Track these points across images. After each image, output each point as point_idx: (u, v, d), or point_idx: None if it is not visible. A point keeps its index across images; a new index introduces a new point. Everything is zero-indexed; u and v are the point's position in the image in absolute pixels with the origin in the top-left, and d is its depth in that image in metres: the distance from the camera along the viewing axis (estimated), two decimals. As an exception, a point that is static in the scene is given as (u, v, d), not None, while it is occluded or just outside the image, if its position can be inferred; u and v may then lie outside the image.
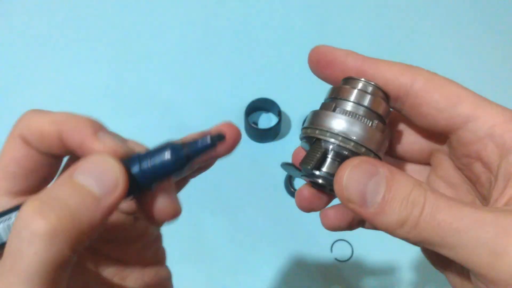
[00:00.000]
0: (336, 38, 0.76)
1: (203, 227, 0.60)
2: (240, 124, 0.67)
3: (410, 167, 0.29)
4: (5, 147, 0.23)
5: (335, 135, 0.24)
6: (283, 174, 0.62)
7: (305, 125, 0.26)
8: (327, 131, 0.24)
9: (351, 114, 0.24)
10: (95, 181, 0.19)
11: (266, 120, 0.68)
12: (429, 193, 0.21)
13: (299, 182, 0.62)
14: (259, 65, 0.72)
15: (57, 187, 0.19)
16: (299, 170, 0.25)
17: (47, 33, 0.73)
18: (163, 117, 0.67)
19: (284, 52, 0.74)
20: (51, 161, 0.23)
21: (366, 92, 0.25)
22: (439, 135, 0.26)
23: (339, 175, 0.22)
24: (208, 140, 0.22)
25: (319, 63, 0.27)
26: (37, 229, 0.17)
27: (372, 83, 0.25)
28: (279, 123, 0.64)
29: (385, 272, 0.57)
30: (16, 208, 0.21)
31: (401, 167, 0.29)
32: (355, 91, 0.25)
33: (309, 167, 0.24)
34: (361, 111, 0.24)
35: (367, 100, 0.24)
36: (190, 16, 0.76)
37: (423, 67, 0.26)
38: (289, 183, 0.62)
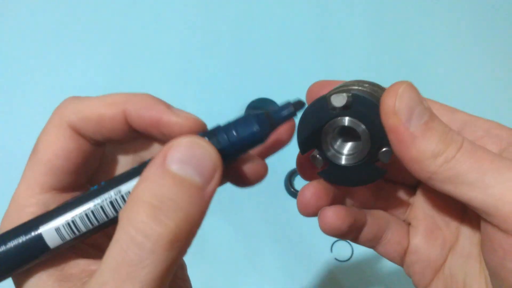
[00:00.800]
0: (336, 39, 0.76)
1: (202, 227, 0.60)
2: (240, 124, 0.67)
3: (394, 188, 0.29)
4: (49, 138, 0.21)
5: (361, 83, 0.24)
6: (283, 174, 0.62)
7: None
8: (351, 83, 0.24)
9: (373, 84, 0.24)
10: (195, 169, 0.18)
11: (266, 120, 0.68)
12: (466, 137, 0.21)
13: (299, 182, 0.62)
14: (259, 65, 0.72)
15: (156, 183, 0.17)
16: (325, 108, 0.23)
17: (46, 32, 0.73)
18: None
19: (284, 52, 0.74)
20: (99, 150, 0.22)
21: (377, 84, 0.25)
22: None
23: (395, 86, 0.21)
24: (291, 108, 0.21)
25: (321, 93, 0.27)
26: (158, 238, 0.16)
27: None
28: (279, 123, 0.64)
29: (385, 272, 0.57)
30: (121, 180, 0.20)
31: (388, 189, 0.29)
32: (369, 82, 0.25)
33: (345, 94, 0.22)
34: (380, 86, 0.25)
35: (379, 86, 0.25)
36: (190, 15, 0.76)
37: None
38: (289, 183, 0.62)
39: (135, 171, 0.20)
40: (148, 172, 0.18)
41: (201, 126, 0.21)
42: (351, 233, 0.27)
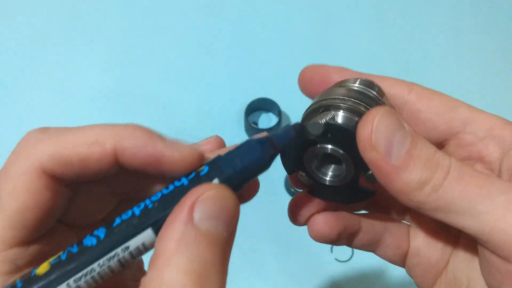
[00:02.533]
0: (337, 38, 0.75)
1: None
2: (240, 124, 0.66)
3: None
4: (16, 187, 0.17)
5: (344, 100, 0.22)
6: (283, 174, 0.62)
7: (309, 106, 0.24)
8: (335, 98, 0.22)
9: (359, 92, 0.23)
10: (224, 223, 0.17)
11: (266, 120, 0.68)
12: (453, 158, 0.19)
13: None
14: (259, 65, 0.72)
15: (192, 246, 0.16)
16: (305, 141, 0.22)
17: (45, 33, 0.73)
18: (163, 117, 0.67)
19: (284, 52, 0.74)
20: (71, 191, 0.19)
21: (371, 82, 0.24)
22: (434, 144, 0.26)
23: (369, 117, 0.19)
24: (292, 131, 0.21)
25: (312, 81, 0.26)
26: None
27: (374, 82, 0.24)
28: (279, 123, 0.64)
29: (385, 272, 0.57)
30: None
31: (383, 191, 0.28)
32: (360, 80, 0.24)
33: (322, 121, 0.21)
34: (369, 94, 0.23)
35: (373, 88, 0.24)
36: (190, 15, 0.76)
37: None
38: (289, 183, 0.62)
39: (141, 222, 0.18)
40: (176, 232, 0.16)
41: (201, 158, 0.19)
42: (341, 239, 0.26)
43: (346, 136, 0.21)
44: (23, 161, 0.18)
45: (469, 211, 0.18)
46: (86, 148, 0.18)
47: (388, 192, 0.20)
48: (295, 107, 0.67)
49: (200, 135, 0.66)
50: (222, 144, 0.24)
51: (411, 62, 0.74)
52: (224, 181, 0.19)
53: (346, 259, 0.58)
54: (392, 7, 0.79)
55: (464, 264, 0.24)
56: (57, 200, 0.18)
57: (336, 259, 0.58)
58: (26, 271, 0.18)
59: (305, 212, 0.26)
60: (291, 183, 0.28)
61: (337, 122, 0.22)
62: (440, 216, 0.19)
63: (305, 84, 0.26)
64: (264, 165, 0.20)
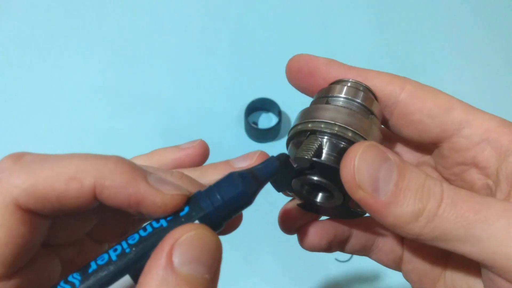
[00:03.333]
0: (336, 38, 0.75)
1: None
2: (240, 124, 0.66)
3: None
4: None
5: (330, 125, 0.21)
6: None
7: (294, 123, 0.23)
8: (321, 122, 0.22)
9: (346, 107, 0.22)
10: (205, 266, 0.16)
11: (266, 120, 0.68)
12: (444, 184, 0.19)
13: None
14: (259, 65, 0.72)
15: None
16: (291, 170, 0.22)
17: (45, 32, 0.73)
18: (162, 117, 0.67)
19: (284, 52, 0.74)
20: (49, 221, 0.18)
21: (358, 89, 0.23)
22: (426, 146, 0.25)
23: (349, 157, 0.19)
24: (276, 162, 0.20)
25: (300, 72, 0.25)
26: None
27: (363, 83, 0.23)
28: (279, 123, 0.64)
29: (386, 272, 0.57)
30: None
31: None
32: (346, 88, 0.23)
33: (306, 157, 0.20)
34: (355, 106, 0.23)
35: (360, 97, 0.23)
36: (190, 15, 0.76)
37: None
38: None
39: (118, 268, 0.17)
40: (155, 279, 0.15)
41: (184, 201, 0.18)
42: (332, 247, 0.25)
43: (331, 171, 0.21)
44: None
45: (468, 239, 0.18)
46: (63, 183, 0.17)
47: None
48: (295, 107, 0.67)
49: (200, 135, 0.66)
50: (206, 148, 0.23)
51: (411, 62, 0.73)
52: (205, 219, 0.18)
53: (346, 259, 0.58)
54: (392, 7, 0.79)
55: (463, 272, 0.23)
56: (35, 232, 0.17)
57: (336, 259, 0.58)
58: None
59: (294, 222, 0.26)
60: (284, 193, 0.28)
61: (322, 160, 0.21)
62: (441, 245, 0.19)
63: (293, 75, 0.25)
64: (247, 201, 0.19)
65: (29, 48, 0.71)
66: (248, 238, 0.59)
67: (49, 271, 0.20)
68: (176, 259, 0.15)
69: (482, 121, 0.22)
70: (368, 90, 0.23)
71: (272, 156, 0.20)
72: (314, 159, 0.21)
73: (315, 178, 0.22)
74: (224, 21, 0.76)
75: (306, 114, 0.23)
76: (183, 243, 0.16)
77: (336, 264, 0.58)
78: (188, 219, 0.18)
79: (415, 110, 0.22)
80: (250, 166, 0.20)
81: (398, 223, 0.18)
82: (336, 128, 0.21)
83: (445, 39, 0.77)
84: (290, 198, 0.27)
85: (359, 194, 0.19)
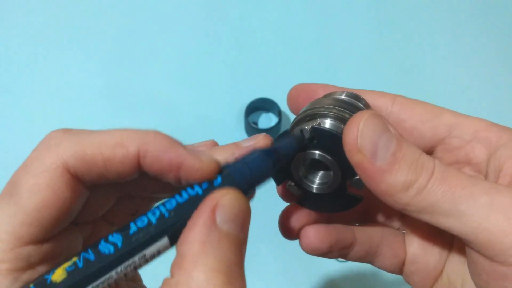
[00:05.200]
0: (336, 38, 0.75)
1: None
2: (240, 124, 0.66)
3: None
4: (37, 182, 0.17)
5: (330, 108, 0.23)
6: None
7: (296, 117, 0.24)
8: (320, 107, 0.23)
9: (345, 102, 0.23)
10: (240, 226, 0.18)
11: (266, 120, 0.68)
12: (437, 161, 0.20)
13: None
14: (259, 65, 0.72)
15: (216, 247, 0.17)
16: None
17: (45, 31, 0.73)
18: (162, 117, 0.67)
19: (284, 52, 0.74)
20: (88, 193, 0.20)
21: (356, 95, 0.24)
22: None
23: (355, 121, 0.20)
24: (295, 142, 0.22)
25: (299, 98, 0.27)
26: None
27: (360, 95, 0.25)
28: (279, 123, 0.64)
29: (386, 273, 0.57)
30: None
31: (376, 198, 0.28)
32: (345, 92, 0.25)
33: (308, 127, 0.22)
34: (354, 104, 0.24)
35: (358, 100, 0.24)
36: (190, 15, 0.76)
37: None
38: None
39: (158, 231, 0.18)
40: (200, 234, 0.17)
41: (218, 167, 0.20)
42: (333, 252, 0.26)
43: (332, 141, 0.22)
44: (46, 158, 0.18)
45: (453, 213, 0.19)
46: (110, 149, 0.18)
47: (374, 195, 0.21)
48: (295, 107, 0.67)
49: (200, 135, 0.66)
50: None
51: (410, 62, 0.73)
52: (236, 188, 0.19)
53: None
54: (392, 8, 0.79)
55: (458, 267, 0.24)
56: (76, 200, 0.19)
57: (337, 259, 0.59)
58: (38, 268, 0.18)
59: (296, 224, 0.26)
60: (281, 196, 0.28)
61: (323, 127, 0.22)
62: (426, 217, 0.20)
63: (293, 102, 0.27)
64: (270, 174, 0.21)
65: (28, 48, 0.71)
66: (249, 239, 0.59)
67: (74, 245, 0.21)
68: (218, 218, 0.17)
69: (472, 122, 0.23)
70: (365, 100, 0.25)
71: (289, 136, 0.22)
72: (317, 126, 0.22)
73: (316, 152, 0.23)
74: (225, 21, 0.76)
75: (306, 106, 0.24)
76: (224, 203, 0.18)
77: (336, 264, 0.58)
78: (222, 187, 0.19)
79: (407, 117, 0.24)
80: (255, 144, 0.22)
81: (389, 191, 0.20)
82: (335, 110, 0.22)
83: (445, 39, 0.77)
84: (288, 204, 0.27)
85: (357, 157, 0.20)
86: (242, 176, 0.20)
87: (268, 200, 0.62)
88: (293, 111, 0.27)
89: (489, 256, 0.19)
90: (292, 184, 0.25)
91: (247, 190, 0.20)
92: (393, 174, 0.19)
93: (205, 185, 0.20)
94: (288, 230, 0.26)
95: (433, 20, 0.79)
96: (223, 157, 0.22)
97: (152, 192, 0.23)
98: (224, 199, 0.18)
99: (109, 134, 0.18)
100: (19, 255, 0.17)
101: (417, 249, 0.26)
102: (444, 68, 0.74)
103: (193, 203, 0.19)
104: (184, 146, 0.20)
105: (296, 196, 0.26)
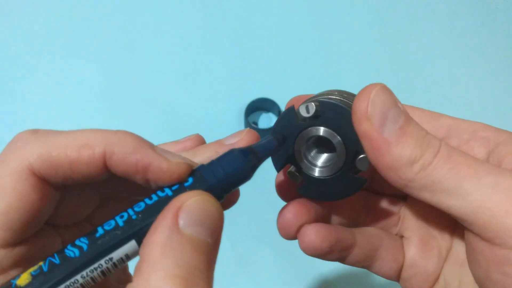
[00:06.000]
0: (336, 38, 0.75)
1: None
2: (240, 124, 0.66)
3: (383, 201, 0.28)
4: (4, 187, 0.17)
5: (332, 95, 0.23)
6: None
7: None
8: (321, 95, 0.23)
9: (349, 93, 0.23)
10: (208, 230, 0.17)
11: (266, 120, 0.68)
12: (443, 141, 0.20)
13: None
14: (259, 65, 0.72)
15: (177, 251, 0.16)
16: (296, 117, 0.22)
17: (44, 31, 0.73)
18: (162, 117, 0.67)
19: (284, 52, 0.74)
20: (61, 192, 0.19)
21: (353, 95, 0.24)
22: None
23: (367, 89, 0.19)
24: (274, 141, 0.21)
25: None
26: None
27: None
28: (279, 123, 0.64)
29: (385, 272, 0.57)
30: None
31: (377, 201, 0.28)
32: (345, 92, 0.25)
33: (315, 100, 0.21)
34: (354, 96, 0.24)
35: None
36: (190, 15, 0.76)
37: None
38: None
39: (125, 233, 0.18)
40: (161, 237, 0.16)
41: (188, 170, 0.19)
42: (334, 253, 0.25)
43: (338, 115, 0.22)
44: (11, 161, 0.17)
45: (456, 191, 0.18)
46: (75, 150, 0.18)
47: (377, 171, 0.20)
48: (295, 107, 0.67)
49: (200, 135, 0.66)
50: (202, 142, 0.24)
51: (410, 62, 0.73)
52: (207, 190, 0.19)
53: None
54: (392, 7, 0.79)
55: (456, 268, 0.24)
56: (45, 202, 0.18)
57: (336, 259, 0.59)
58: (11, 272, 0.18)
59: (295, 223, 0.25)
60: (279, 194, 0.27)
61: (329, 101, 0.22)
62: (427, 196, 0.19)
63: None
64: (246, 176, 0.20)
65: (28, 48, 0.71)
66: (246, 238, 0.59)
67: (51, 248, 0.20)
68: (181, 221, 0.16)
69: (469, 123, 0.23)
70: None
71: (271, 136, 0.21)
72: (322, 99, 0.22)
73: (321, 128, 0.22)
74: (224, 21, 0.76)
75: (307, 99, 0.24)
76: (189, 206, 0.17)
77: (336, 263, 0.58)
78: (192, 189, 0.19)
79: None
80: (239, 142, 0.21)
81: (393, 164, 0.19)
82: (337, 97, 0.22)
83: (445, 39, 0.77)
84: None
85: (366, 125, 0.19)
86: (215, 177, 0.19)
87: (266, 200, 0.62)
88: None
89: (489, 237, 0.18)
90: (293, 170, 0.24)
91: (221, 193, 0.19)
92: (400, 147, 0.19)
93: (175, 186, 0.19)
94: (287, 229, 0.25)
95: (433, 19, 0.79)
96: (206, 156, 0.21)
97: (130, 194, 0.23)
98: (190, 202, 0.17)
99: (76, 135, 0.18)
100: None
101: (415, 253, 0.25)
102: (444, 67, 0.74)
103: (162, 205, 0.18)
104: (153, 147, 0.19)
105: (297, 183, 0.25)
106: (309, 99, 0.24)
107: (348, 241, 0.25)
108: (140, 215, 0.18)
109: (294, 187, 0.26)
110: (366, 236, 0.26)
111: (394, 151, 0.19)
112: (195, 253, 0.16)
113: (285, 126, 0.23)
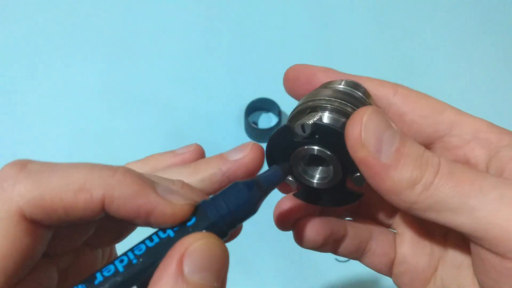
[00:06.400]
0: (336, 38, 0.75)
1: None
2: (240, 124, 0.66)
3: (377, 195, 0.28)
4: None
5: (331, 101, 0.22)
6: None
7: (294, 107, 0.24)
8: (321, 99, 0.22)
9: (345, 92, 0.23)
10: (214, 275, 0.16)
11: (266, 120, 0.68)
12: (442, 157, 0.19)
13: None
14: (259, 65, 0.72)
15: None
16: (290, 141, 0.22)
17: (44, 31, 0.72)
18: (162, 117, 0.67)
19: (284, 52, 0.74)
20: (51, 231, 0.18)
21: (355, 83, 0.24)
22: None
23: (358, 115, 0.19)
24: (280, 172, 0.21)
25: (298, 80, 0.25)
26: None
27: (360, 83, 0.24)
28: (279, 123, 0.64)
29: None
30: None
31: (368, 195, 0.27)
32: (345, 81, 0.24)
33: (309, 122, 0.21)
34: (354, 95, 0.23)
35: (358, 88, 0.24)
36: (190, 15, 0.76)
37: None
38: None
39: (126, 280, 0.17)
40: (166, 287, 0.15)
41: (191, 210, 0.18)
42: (327, 245, 0.25)
43: (334, 137, 0.21)
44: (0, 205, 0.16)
45: (462, 208, 0.18)
46: (71, 195, 0.16)
47: (377, 193, 0.20)
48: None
49: (200, 135, 0.66)
50: (201, 153, 0.23)
51: (410, 62, 0.73)
52: (211, 229, 0.18)
53: (346, 259, 0.58)
54: (392, 7, 0.79)
55: (453, 271, 0.23)
56: (38, 243, 0.17)
57: (336, 259, 0.58)
58: None
59: (290, 216, 0.25)
60: (278, 188, 0.27)
61: (324, 123, 0.21)
62: (433, 216, 0.19)
63: (290, 84, 0.26)
64: (252, 210, 0.19)
65: (28, 49, 0.71)
66: (246, 238, 0.59)
67: (47, 281, 0.20)
68: (186, 268, 0.15)
69: (473, 121, 0.22)
70: (364, 88, 0.24)
71: (275, 166, 0.21)
72: (318, 122, 0.21)
73: (316, 147, 0.22)
74: (224, 21, 0.76)
75: (305, 97, 0.24)
76: (193, 251, 0.16)
77: (336, 264, 0.58)
78: (195, 228, 0.18)
79: (409, 111, 0.23)
80: (244, 158, 0.21)
81: (395, 189, 0.19)
82: (336, 104, 0.22)
83: (446, 37, 0.77)
84: (284, 195, 0.27)
85: (362, 153, 0.19)
86: (219, 215, 0.18)
87: (266, 201, 0.62)
88: (289, 92, 0.26)
89: (501, 252, 0.18)
90: (290, 178, 0.24)
91: (226, 230, 0.19)
92: (399, 170, 0.19)
93: (176, 228, 0.18)
94: (282, 222, 0.25)
95: (434, 18, 0.79)
96: (209, 173, 0.21)
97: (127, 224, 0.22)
98: (194, 246, 0.16)
99: (71, 175, 0.17)
100: None
101: (406, 249, 0.25)
102: (445, 65, 0.74)
103: (164, 247, 0.17)
104: (154, 188, 0.18)
105: (294, 188, 0.25)
106: (306, 101, 0.23)
107: (341, 232, 0.25)
108: (141, 259, 0.17)
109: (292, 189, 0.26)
110: (357, 228, 0.26)
111: (393, 175, 0.19)
112: None
113: (280, 143, 0.23)
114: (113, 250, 0.25)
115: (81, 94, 0.68)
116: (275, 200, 0.28)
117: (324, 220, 0.25)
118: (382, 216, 0.27)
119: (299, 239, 0.25)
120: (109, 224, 0.23)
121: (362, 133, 0.19)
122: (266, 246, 0.59)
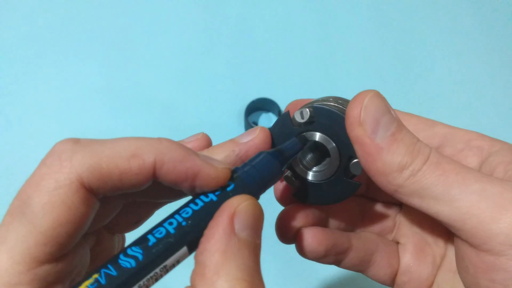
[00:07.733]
0: (337, 38, 0.75)
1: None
2: (240, 124, 0.66)
3: (379, 207, 0.28)
4: (51, 200, 0.16)
5: (327, 101, 0.23)
6: (283, 174, 0.62)
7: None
8: (317, 101, 0.24)
9: (342, 99, 0.24)
10: (257, 232, 0.18)
11: (266, 120, 0.68)
12: (433, 149, 0.20)
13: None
14: (259, 65, 0.72)
15: (237, 255, 0.17)
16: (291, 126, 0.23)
17: (44, 32, 0.73)
18: (162, 117, 0.67)
19: (284, 52, 0.74)
20: (99, 203, 0.19)
21: (348, 100, 0.25)
22: None
23: (360, 96, 0.20)
24: (298, 143, 0.22)
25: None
26: None
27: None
28: (279, 123, 0.64)
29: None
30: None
31: (373, 207, 0.28)
32: (340, 99, 0.25)
33: (309, 109, 0.22)
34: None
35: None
36: (190, 15, 0.76)
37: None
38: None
39: (178, 241, 0.18)
40: (220, 243, 0.17)
41: (230, 173, 0.20)
42: (330, 256, 0.25)
43: (333, 121, 0.22)
44: (58, 174, 0.17)
45: (444, 197, 0.19)
46: (125, 161, 0.17)
47: (369, 176, 0.21)
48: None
49: (206, 133, 0.66)
50: (209, 142, 0.25)
51: (411, 62, 0.73)
52: (248, 192, 0.20)
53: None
54: (393, 7, 0.79)
55: (449, 276, 0.24)
56: (91, 213, 0.18)
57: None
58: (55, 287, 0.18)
59: (292, 227, 0.26)
60: (278, 200, 0.28)
61: (324, 106, 0.23)
62: (416, 202, 0.20)
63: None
64: (279, 174, 0.21)
65: (27, 49, 0.71)
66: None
67: (85, 257, 0.20)
68: (236, 225, 0.17)
69: (464, 132, 0.23)
70: None
71: (295, 138, 0.23)
72: (317, 105, 0.23)
73: (316, 133, 0.23)
74: (224, 21, 0.76)
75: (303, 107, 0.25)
76: (241, 211, 0.18)
77: (335, 268, 0.58)
78: (235, 193, 0.20)
79: None
80: (254, 139, 0.23)
81: (384, 170, 0.20)
82: (332, 103, 0.23)
83: (444, 40, 0.77)
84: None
85: (358, 131, 0.20)
86: (253, 180, 0.20)
87: (266, 203, 0.62)
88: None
89: (476, 244, 0.19)
90: (290, 175, 0.25)
91: (258, 194, 0.21)
92: (391, 153, 0.19)
93: (218, 192, 0.20)
94: (284, 234, 0.26)
95: (434, 20, 0.79)
96: (224, 155, 0.22)
97: (158, 198, 0.23)
98: (241, 207, 0.18)
99: (123, 145, 0.18)
100: (36, 276, 0.17)
101: (410, 259, 0.26)
102: (445, 66, 0.74)
103: (209, 210, 0.19)
104: (198, 154, 0.19)
105: (294, 188, 0.25)
106: (305, 105, 0.24)
107: (344, 245, 0.26)
108: (189, 221, 0.19)
109: (292, 191, 0.26)
110: (362, 241, 0.26)
111: (385, 157, 0.20)
112: (252, 256, 0.17)
113: (280, 132, 0.24)
114: (124, 241, 0.26)
115: (82, 94, 0.68)
116: (276, 206, 0.28)
117: (327, 231, 0.25)
118: (384, 228, 0.28)
119: (300, 249, 0.26)
120: (129, 207, 0.23)
121: (362, 113, 0.20)
122: (266, 248, 0.59)
